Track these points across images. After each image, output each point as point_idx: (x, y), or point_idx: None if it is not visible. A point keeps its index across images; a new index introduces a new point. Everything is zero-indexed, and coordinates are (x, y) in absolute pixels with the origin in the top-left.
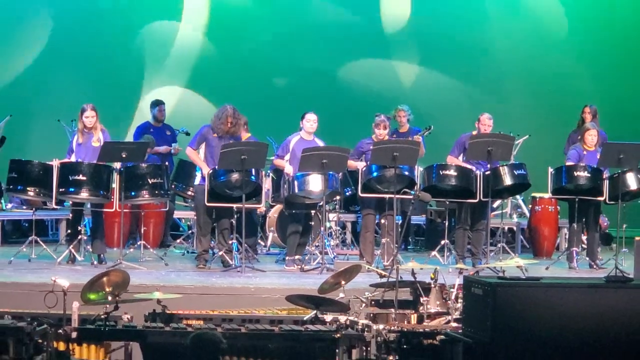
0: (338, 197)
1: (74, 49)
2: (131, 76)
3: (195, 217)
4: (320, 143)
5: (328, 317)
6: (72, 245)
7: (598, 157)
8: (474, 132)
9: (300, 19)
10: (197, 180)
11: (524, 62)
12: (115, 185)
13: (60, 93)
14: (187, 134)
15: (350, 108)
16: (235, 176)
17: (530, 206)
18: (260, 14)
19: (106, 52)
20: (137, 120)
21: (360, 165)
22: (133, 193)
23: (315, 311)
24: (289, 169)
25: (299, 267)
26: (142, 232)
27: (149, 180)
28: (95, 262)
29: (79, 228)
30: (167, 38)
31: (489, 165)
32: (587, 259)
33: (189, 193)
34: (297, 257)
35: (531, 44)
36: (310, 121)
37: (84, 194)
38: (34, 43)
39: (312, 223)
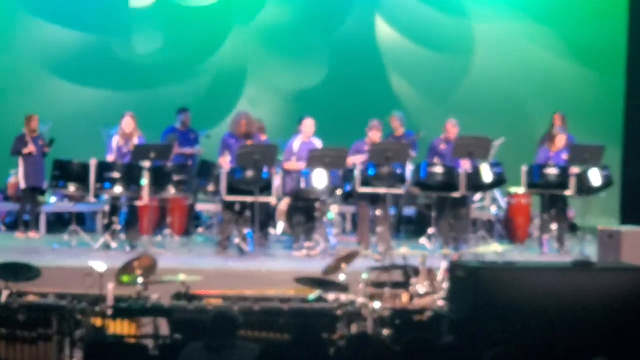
0: (339, 192)
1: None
2: None
3: (214, 209)
4: (318, 143)
5: (330, 297)
6: (108, 234)
7: (563, 156)
8: (442, 136)
9: None
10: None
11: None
12: (145, 181)
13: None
14: (208, 136)
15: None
16: (249, 173)
17: (506, 199)
18: None
19: None
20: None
21: (359, 158)
22: (161, 188)
23: (319, 291)
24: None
25: (306, 252)
26: (169, 222)
27: (174, 177)
28: (128, 249)
29: (114, 219)
30: None
31: (461, 163)
32: (556, 245)
33: (209, 189)
34: (307, 243)
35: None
36: (309, 126)
37: (117, 190)
38: None
39: (317, 214)
